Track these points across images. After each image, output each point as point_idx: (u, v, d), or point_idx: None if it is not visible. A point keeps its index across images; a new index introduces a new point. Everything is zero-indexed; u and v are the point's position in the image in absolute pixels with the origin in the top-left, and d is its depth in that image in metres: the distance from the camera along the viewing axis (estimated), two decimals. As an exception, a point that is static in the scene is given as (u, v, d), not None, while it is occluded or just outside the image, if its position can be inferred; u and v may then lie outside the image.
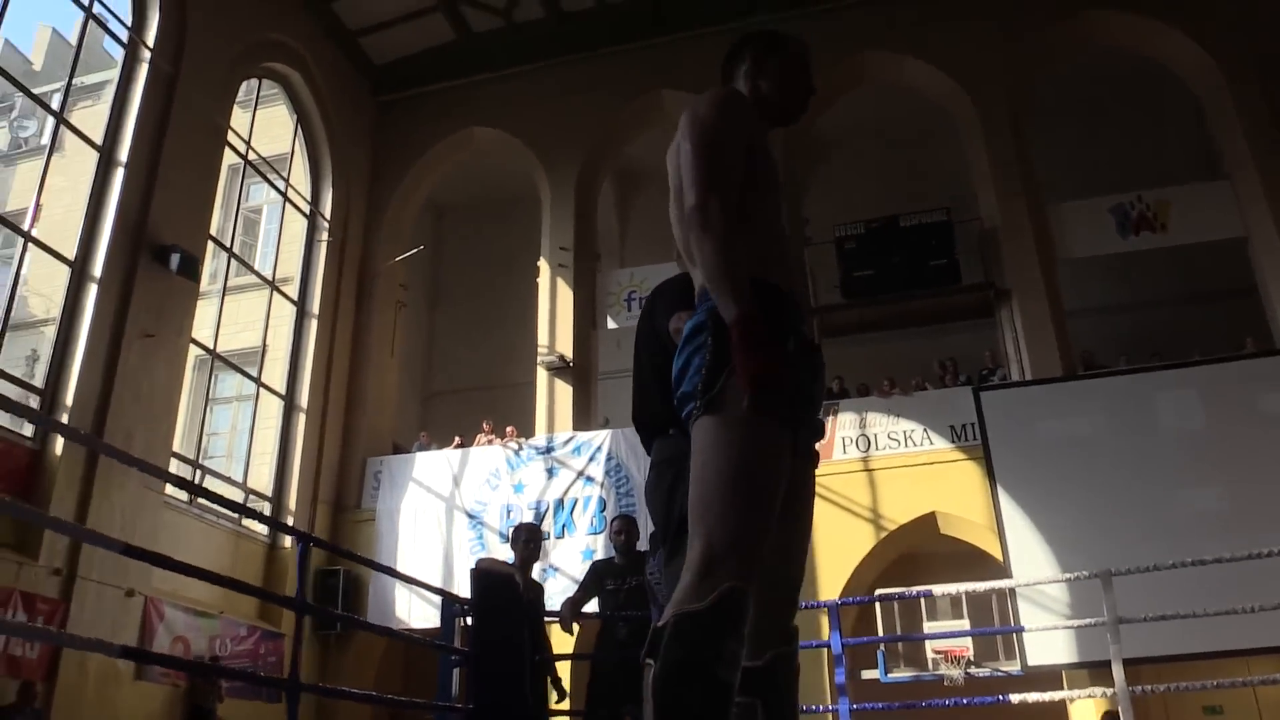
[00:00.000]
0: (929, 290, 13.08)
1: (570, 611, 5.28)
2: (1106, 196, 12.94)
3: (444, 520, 12.59)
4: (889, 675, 10.30)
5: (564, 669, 6.43)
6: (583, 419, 13.12)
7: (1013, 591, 10.55)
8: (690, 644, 1.75)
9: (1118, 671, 4.87)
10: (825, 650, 10.39)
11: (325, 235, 13.98)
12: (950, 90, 13.71)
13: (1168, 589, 8.29)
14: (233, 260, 12.95)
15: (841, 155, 15.48)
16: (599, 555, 11.81)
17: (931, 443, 11.83)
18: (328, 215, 14.08)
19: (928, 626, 11.04)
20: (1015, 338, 12.48)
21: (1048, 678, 10.27)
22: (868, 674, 10.37)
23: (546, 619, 5.61)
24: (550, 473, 12.44)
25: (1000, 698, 5.98)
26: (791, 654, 2.10)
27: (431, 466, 12.97)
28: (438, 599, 5.35)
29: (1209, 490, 10.73)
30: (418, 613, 11.79)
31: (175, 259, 10.77)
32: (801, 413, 2.07)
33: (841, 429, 12.22)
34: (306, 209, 14.00)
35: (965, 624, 11.00)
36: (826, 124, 14.57)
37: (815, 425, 2.19)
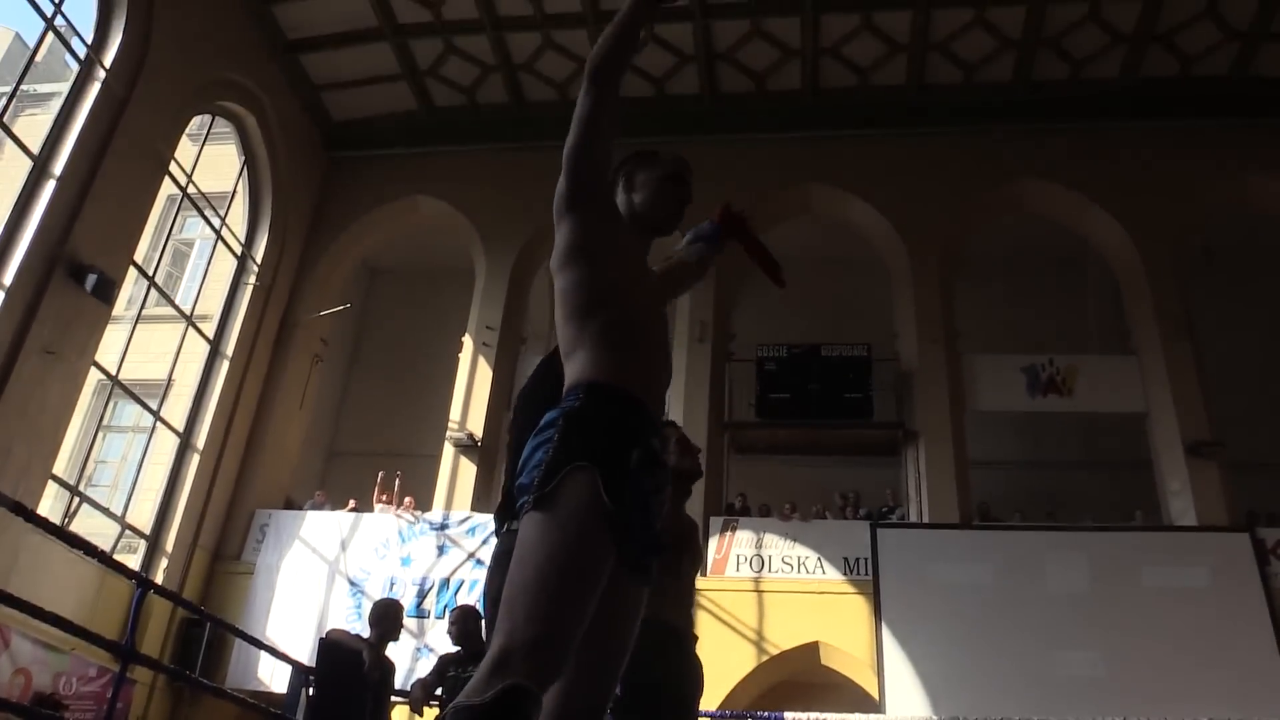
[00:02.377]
0: (841, 421, 13.30)
1: (421, 694, 5.16)
2: (1021, 355, 13.41)
3: (325, 584, 12.25)
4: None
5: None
6: (483, 500, 12.97)
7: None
8: None
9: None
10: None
11: (253, 279, 13.83)
12: (887, 235, 14.19)
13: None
14: (152, 290, 12.72)
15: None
16: (476, 641, 11.59)
17: (824, 571, 11.90)
18: (259, 259, 13.95)
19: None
20: (918, 479, 12.70)
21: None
22: None
23: (396, 699, 5.46)
24: (441, 550, 12.22)
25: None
26: None
27: (320, 527, 12.66)
28: (291, 664, 5.18)
29: (1086, 654, 10.92)
30: (280, 676, 11.36)
31: (91, 279, 10.55)
32: (634, 524, 2.01)
33: (738, 546, 12.24)
34: (238, 250, 13.86)
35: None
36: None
37: (650, 542, 2.11)
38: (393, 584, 12.01)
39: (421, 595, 11.87)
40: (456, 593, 11.90)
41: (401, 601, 6.61)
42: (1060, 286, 15.66)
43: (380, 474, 13.21)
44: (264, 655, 11.52)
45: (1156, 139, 13.85)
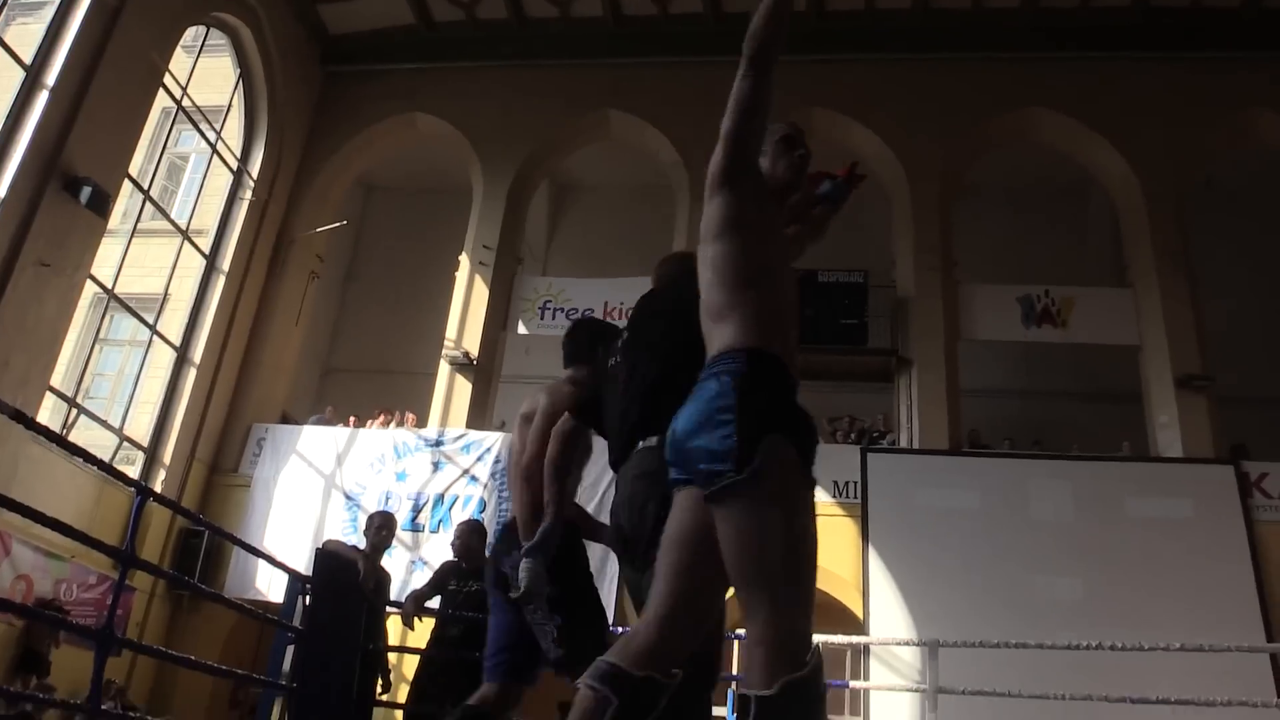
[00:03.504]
0: (836, 347, 13.33)
1: (413, 606, 5.26)
2: (1016, 286, 13.39)
3: (321, 498, 12.42)
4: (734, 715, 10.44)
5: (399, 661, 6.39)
6: (478, 418, 13.09)
7: (866, 649, 10.79)
8: (810, 700, 1.91)
9: (929, 739, 5.06)
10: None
11: (249, 194, 13.75)
12: (889, 162, 14.07)
13: (1007, 667, 8.59)
14: (147, 203, 12.65)
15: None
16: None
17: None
18: (255, 174, 13.85)
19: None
20: (909, 406, 12.80)
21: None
22: (718, 710, 10.48)
23: (389, 609, 5.59)
24: (436, 466, 12.37)
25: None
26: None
27: (316, 442, 12.79)
28: (288, 573, 5.30)
29: (1067, 580, 11.12)
30: (277, 586, 11.58)
31: (86, 192, 10.49)
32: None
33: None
34: (234, 165, 13.76)
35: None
36: (764, 170, 14.89)
37: None
38: (388, 498, 12.18)
39: (416, 510, 12.04)
40: (451, 508, 12.07)
41: (395, 515, 6.72)
42: (1060, 218, 15.61)
43: (380, 410, 13.35)
44: (261, 566, 11.74)
45: (1164, 70, 13.66)
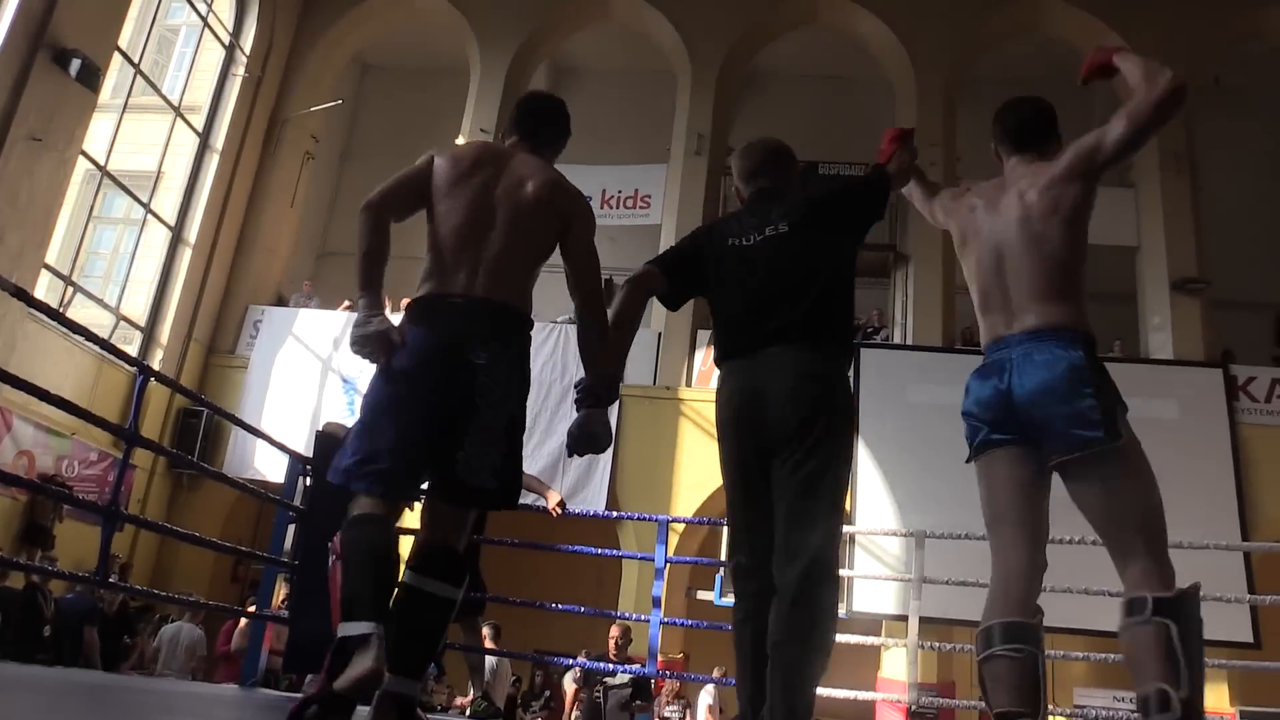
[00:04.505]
0: (834, 241, 13.27)
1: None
2: (1018, 183, 13.27)
3: (318, 380, 12.51)
4: (722, 599, 10.72)
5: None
6: (474, 305, 13.08)
7: (852, 539, 11.04)
8: (1196, 606, 2.40)
9: (913, 625, 5.24)
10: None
11: (242, 70, 13.47)
12: (894, 51, 13.80)
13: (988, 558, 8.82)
14: (139, 78, 12.39)
15: (777, 90, 15.46)
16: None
17: (805, 388, 12.18)
18: (247, 50, 13.55)
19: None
20: (905, 303, 12.84)
21: (868, 624, 10.83)
22: (703, 594, 10.77)
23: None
24: (430, 352, 12.41)
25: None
26: None
27: (314, 325, 12.82)
28: (288, 454, 5.38)
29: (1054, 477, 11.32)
30: (277, 467, 11.72)
31: (76, 65, 10.26)
32: None
33: (724, 360, 12.47)
34: (226, 40, 13.44)
35: (802, 563, 11.46)
36: (768, 56, 14.61)
37: None
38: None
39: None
40: (447, 394, 12.17)
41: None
42: (1064, 115, 15.31)
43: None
44: (259, 446, 11.89)
45: (1179, -39, 13.33)
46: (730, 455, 2.74)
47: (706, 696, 10.50)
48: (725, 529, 11.06)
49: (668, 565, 5.62)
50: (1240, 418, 11.52)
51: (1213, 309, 12.41)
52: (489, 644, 7.06)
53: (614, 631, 6.95)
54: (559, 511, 5.40)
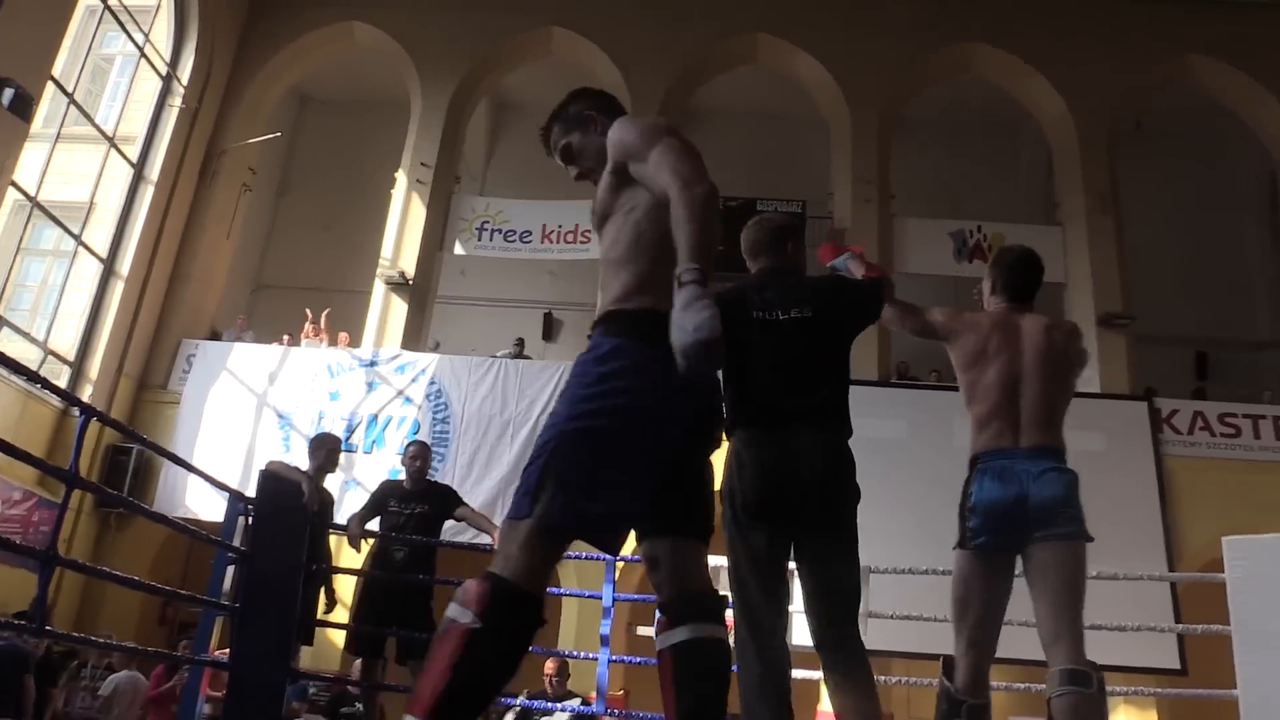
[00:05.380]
0: (772, 277, 13.44)
1: (358, 528, 5.32)
2: (950, 220, 13.63)
3: (253, 416, 12.32)
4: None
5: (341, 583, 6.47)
6: (412, 339, 13.03)
7: (793, 572, 11.09)
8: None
9: (855, 659, 5.29)
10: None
11: (178, 101, 13.31)
12: (830, 90, 14.10)
13: (932, 592, 8.93)
14: (72, 108, 12.19)
15: (715, 126, 15.66)
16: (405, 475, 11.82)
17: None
18: (185, 81, 13.39)
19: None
20: (842, 337, 13.01)
21: (811, 657, 10.88)
22: (643, 630, 10.77)
23: (333, 531, 5.64)
24: (370, 386, 12.32)
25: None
26: None
27: (248, 359, 12.63)
28: (228, 493, 5.29)
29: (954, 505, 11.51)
30: (209, 505, 11.52)
31: (8, 94, 10.05)
32: None
33: (664, 394, 12.55)
34: (163, 70, 13.28)
35: (743, 597, 11.51)
36: (706, 94, 14.85)
37: None
38: (321, 418, 12.13)
39: (350, 430, 12.01)
40: (385, 429, 12.08)
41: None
42: (995, 155, 15.83)
43: (308, 310, 13.17)
44: (191, 484, 11.65)
45: (1104, 8, 13.83)
46: (761, 519, 2.82)
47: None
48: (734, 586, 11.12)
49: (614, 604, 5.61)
50: (1165, 449, 11.87)
51: (1137, 344, 12.79)
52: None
53: (549, 667, 6.71)
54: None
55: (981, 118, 15.51)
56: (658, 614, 2.14)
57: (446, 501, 5.50)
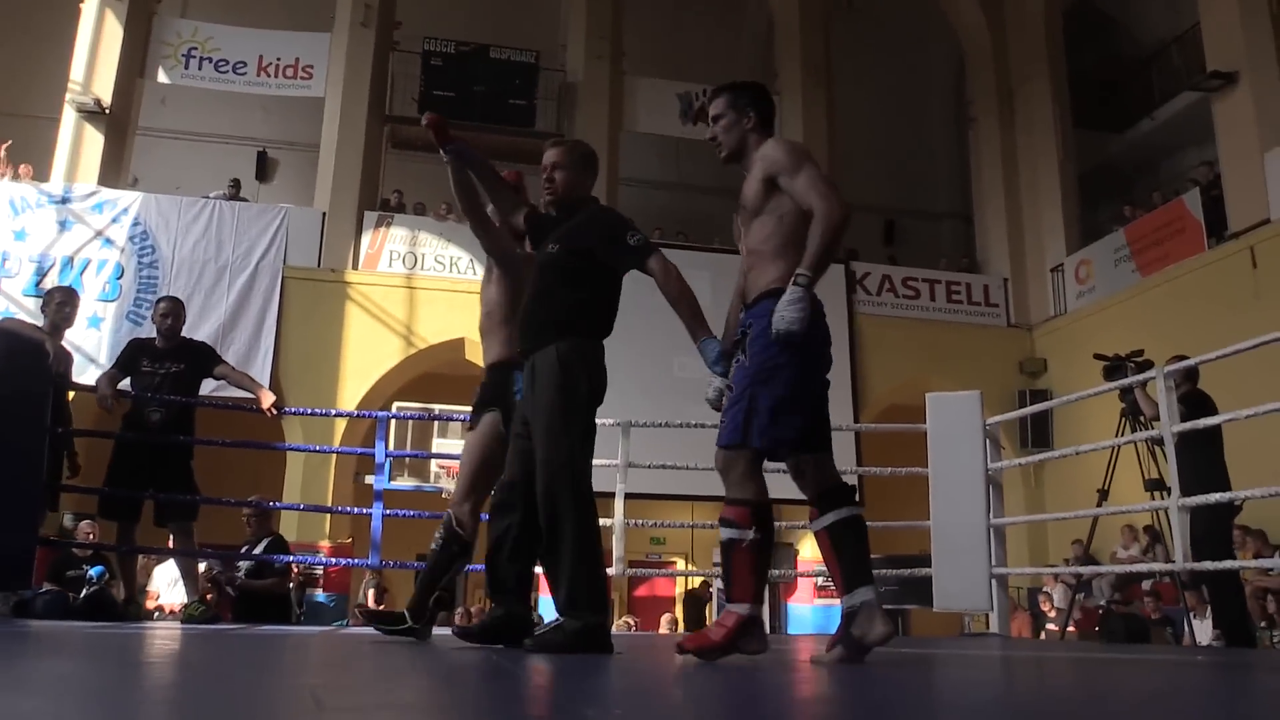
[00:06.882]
0: (504, 127, 13.31)
1: (110, 388, 4.94)
2: (677, 82, 13.94)
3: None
4: (392, 482, 10.78)
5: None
6: (111, 174, 11.91)
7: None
8: None
9: (619, 504, 5.69)
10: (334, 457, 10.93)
11: None
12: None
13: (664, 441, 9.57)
14: None
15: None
16: (107, 323, 10.98)
17: (475, 272, 12.24)
18: None
19: (437, 444, 11.56)
20: (571, 193, 13.17)
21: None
22: (370, 479, 10.77)
23: (78, 391, 5.23)
24: (63, 225, 11.20)
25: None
26: None
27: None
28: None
29: (697, 359, 12.27)
30: None
31: None
32: None
33: (391, 243, 12.33)
34: None
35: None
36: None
37: None
38: (5, 259, 10.96)
39: (41, 274, 10.94)
40: (83, 273, 11.08)
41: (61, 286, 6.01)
42: (723, 20, 16.21)
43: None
44: None
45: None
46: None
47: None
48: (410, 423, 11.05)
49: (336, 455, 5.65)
50: (857, 308, 13.08)
51: (840, 211, 13.83)
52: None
53: (246, 511, 6.24)
54: (274, 412, 5.19)
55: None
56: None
57: (204, 359, 5.20)
